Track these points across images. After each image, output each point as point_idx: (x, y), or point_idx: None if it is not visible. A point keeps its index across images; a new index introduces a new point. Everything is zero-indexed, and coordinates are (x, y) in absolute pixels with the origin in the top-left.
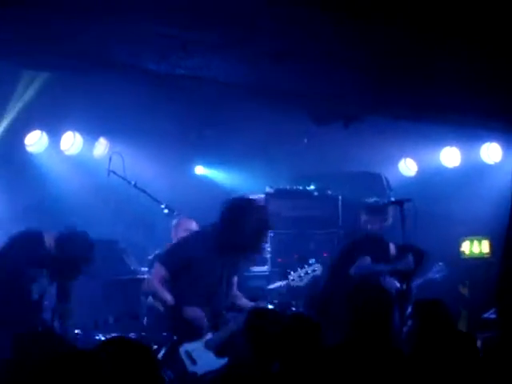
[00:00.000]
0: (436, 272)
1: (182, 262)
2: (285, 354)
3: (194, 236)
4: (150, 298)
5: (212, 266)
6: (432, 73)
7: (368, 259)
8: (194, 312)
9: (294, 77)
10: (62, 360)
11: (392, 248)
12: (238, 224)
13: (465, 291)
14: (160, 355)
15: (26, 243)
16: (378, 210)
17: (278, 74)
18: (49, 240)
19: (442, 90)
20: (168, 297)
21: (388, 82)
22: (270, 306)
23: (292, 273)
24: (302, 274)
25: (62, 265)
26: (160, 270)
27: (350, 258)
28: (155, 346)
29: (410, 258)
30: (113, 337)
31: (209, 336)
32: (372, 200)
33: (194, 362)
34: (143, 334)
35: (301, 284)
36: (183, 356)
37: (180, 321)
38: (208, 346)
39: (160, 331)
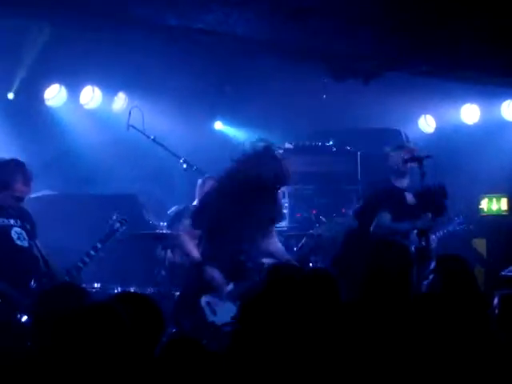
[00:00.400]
0: (457, 224)
1: (210, 220)
2: (303, 307)
3: (213, 192)
4: (169, 253)
5: (233, 216)
6: (452, 29)
7: (388, 216)
8: (213, 272)
9: (312, 33)
10: (79, 314)
11: (410, 198)
12: (253, 170)
13: (481, 247)
14: (178, 305)
15: None
16: (402, 147)
17: (297, 30)
18: None
19: (461, 46)
20: (196, 255)
21: (407, 38)
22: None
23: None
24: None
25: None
26: (194, 231)
27: (370, 216)
28: (177, 293)
29: (429, 215)
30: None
31: (230, 287)
32: None
33: (214, 312)
34: (160, 289)
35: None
36: (204, 306)
37: (201, 278)
38: (229, 297)
39: (177, 286)
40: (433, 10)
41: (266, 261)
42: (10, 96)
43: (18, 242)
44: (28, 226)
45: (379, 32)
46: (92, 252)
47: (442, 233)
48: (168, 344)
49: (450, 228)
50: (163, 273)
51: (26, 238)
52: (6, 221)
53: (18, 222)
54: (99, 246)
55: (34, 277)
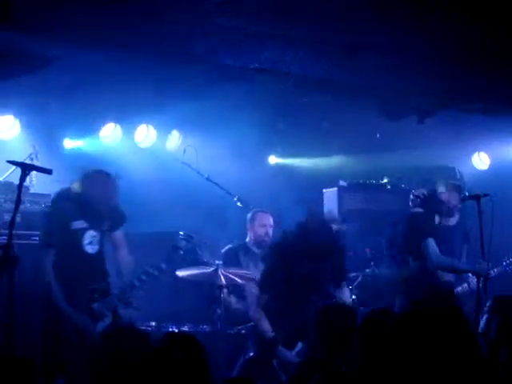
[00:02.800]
0: (506, 266)
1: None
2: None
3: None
4: (225, 292)
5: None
6: (504, 65)
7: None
8: (286, 353)
9: (365, 70)
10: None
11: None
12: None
13: None
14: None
15: (61, 200)
16: (457, 186)
17: (353, 68)
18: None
19: None
20: (268, 330)
21: (461, 76)
22: None
23: None
24: None
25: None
26: (262, 298)
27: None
28: (251, 354)
29: (485, 264)
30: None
31: (299, 346)
32: None
33: (287, 372)
34: (215, 327)
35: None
36: (276, 367)
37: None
38: (299, 355)
39: (232, 325)
40: (486, 47)
41: None
42: (68, 145)
43: (87, 248)
44: (106, 226)
45: (432, 69)
46: (155, 272)
47: (492, 275)
48: None
49: (498, 270)
50: (218, 311)
51: (99, 241)
52: (80, 223)
53: (96, 223)
54: (163, 266)
55: (94, 285)
